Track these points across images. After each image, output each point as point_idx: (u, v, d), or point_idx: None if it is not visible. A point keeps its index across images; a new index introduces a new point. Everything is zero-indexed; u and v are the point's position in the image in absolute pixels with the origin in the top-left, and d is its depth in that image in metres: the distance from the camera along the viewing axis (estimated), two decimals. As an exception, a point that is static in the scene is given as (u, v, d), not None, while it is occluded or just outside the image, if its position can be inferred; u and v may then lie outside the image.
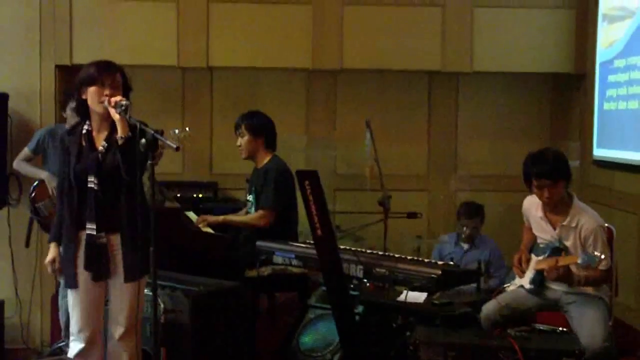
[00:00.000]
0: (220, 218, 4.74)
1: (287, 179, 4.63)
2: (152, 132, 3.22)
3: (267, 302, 4.75)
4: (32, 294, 5.54)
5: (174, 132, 4.50)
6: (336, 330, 3.99)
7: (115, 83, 3.42)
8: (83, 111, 3.48)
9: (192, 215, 4.88)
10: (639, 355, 4.11)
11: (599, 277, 3.92)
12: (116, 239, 3.47)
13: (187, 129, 4.65)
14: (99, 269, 3.45)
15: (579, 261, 3.78)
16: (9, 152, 5.38)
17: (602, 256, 3.76)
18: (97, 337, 3.52)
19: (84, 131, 3.48)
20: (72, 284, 3.48)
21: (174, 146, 3.23)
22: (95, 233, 3.42)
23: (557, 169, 3.96)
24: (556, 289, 4.08)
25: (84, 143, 3.46)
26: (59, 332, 4.76)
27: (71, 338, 3.53)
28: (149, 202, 3.31)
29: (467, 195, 6.06)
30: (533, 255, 4.18)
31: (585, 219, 3.99)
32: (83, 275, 3.46)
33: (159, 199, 5.09)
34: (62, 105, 5.11)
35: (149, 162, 3.22)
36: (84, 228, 3.44)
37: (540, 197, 4.04)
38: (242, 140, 4.73)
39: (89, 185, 3.41)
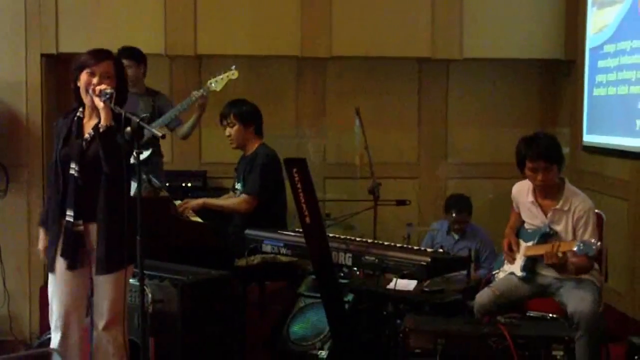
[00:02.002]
0: (201, 201, 4.69)
1: (274, 167, 4.59)
2: (138, 120, 3.19)
3: (256, 291, 4.72)
4: (20, 285, 5.51)
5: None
6: (326, 318, 3.97)
7: (106, 72, 3.38)
8: (78, 98, 3.46)
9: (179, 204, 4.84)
10: (628, 339, 4.10)
11: (587, 265, 3.92)
12: (94, 229, 3.44)
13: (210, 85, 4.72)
14: (75, 258, 3.42)
15: (575, 249, 3.77)
16: (-5, 141, 5.35)
17: (599, 243, 3.76)
18: (74, 327, 3.50)
19: (75, 117, 3.46)
20: (51, 268, 3.48)
21: (159, 134, 3.20)
22: (73, 220, 3.40)
23: (552, 151, 3.96)
24: (547, 275, 4.08)
25: (73, 129, 3.44)
26: (48, 323, 4.72)
27: (52, 328, 3.52)
28: (137, 191, 3.29)
29: (458, 183, 6.06)
30: (522, 242, 4.17)
31: (579, 201, 4.00)
32: (60, 264, 3.45)
33: (147, 188, 5.06)
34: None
35: (135, 151, 3.19)
36: (62, 214, 3.42)
37: (533, 181, 4.02)
38: (232, 130, 4.68)
39: (70, 172, 3.39)
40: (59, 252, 3.45)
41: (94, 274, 3.44)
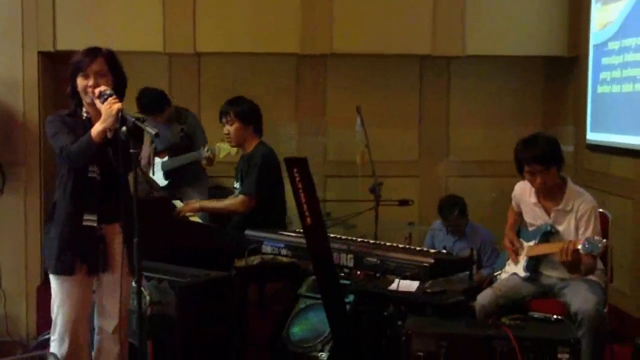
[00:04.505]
0: (197, 205, 4.65)
1: (272, 166, 4.54)
2: (133, 119, 3.12)
3: (256, 292, 4.66)
4: (17, 285, 5.45)
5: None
6: (327, 320, 3.92)
7: (100, 71, 3.31)
8: (77, 99, 3.39)
9: (179, 204, 4.80)
10: (634, 341, 4.05)
11: (595, 264, 3.87)
12: (114, 230, 3.39)
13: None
14: (96, 262, 3.36)
15: (579, 247, 3.71)
16: (-8, 140, 5.29)
17: (604, 240, 3.70)
18: (83, 335, 3.43)
19: (84, 117, 3.37)
20: (67, 270, 3.33)
21: (153, 132, 3.14)
22: (96, 225, 3.33)
23: (549, 153, 3.91)
24: (550, 275, 4.03)
25: (81, 132, 3.31)
26: (45, 323, 4.68)
27: (53, 337, 3.41)
28: (133, 191, 3.21)
29: (459, 181, 6.00)
30: (523, 241, 4.11)
31: (581, 200, 3.96)
32: (80, 268, 3.34)
33: (145, 188, 5.03)
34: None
35: (132, 150, 3.12)
36: (82, 218, 3.33)
37: (532, 184, 3.98)
38: (231, 128, 4.62)
39: (89, 175, 3.32)
40: (77, 257, 3.33)
41: (128, 272, 3.33)
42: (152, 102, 5.26)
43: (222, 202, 4.69)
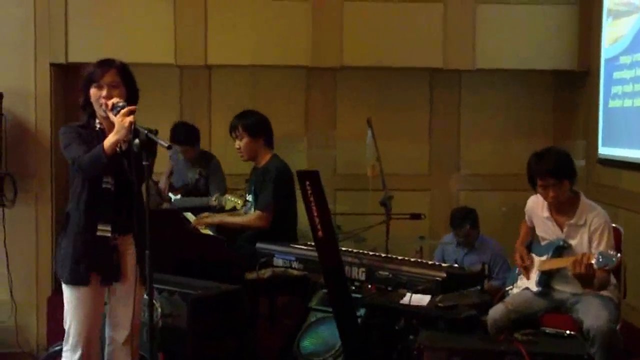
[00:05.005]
0: (217, 219, 4.65)
1: (287, 180, 4.54)
2: (146, 132, 3.13)
3: (267, 305, 4.65)
4: (28, 295, 5.46)
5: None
6: (338, 333, 3.91)
7: (113, 82, 3.33)
8: (90, 111, 3.40)
9: (190, 216, 4.81)
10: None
11: (608, 278, 3.85)
12: (128, 241, 3.39)
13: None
14: (110, 272, 3.36)
15: (593, 262, 3.69)
16: (4, 151, 5.29)
17: (619, 255, 3.68)
18: (95, 344, 3.42)
19: (97, 128, 3.38)
20: (82, 280, 3.32)
21: (166, 145, 3.15)
22: (110, 235, 3.34)
23: (561, 167, 3.90)
24: (563, 290, 4.01)
25: (96, 143, 3.31)
26: (56, 334, 4.67)
27: (66, 347, 3.40)
28: (145, 203, 3.22)
29: (469, 195, 5.98)
30: (535, 256, 4.10)
31: (594, 215, 3.94)
32: (94, 278, 3.34)
33: (156, 200, 5.04)
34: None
35: (144, 162, 3.13)
36: (96, 229, 3.33)
37: (545, 197, 3.97)
38: (241, 143, 4.61)
39: (104, 186, 3.32)
40: (90, 268, 3.34)
41: (141, 283, 3.32)
42: (182, 134, 5.32)
43: (239, 217, 4.67)
